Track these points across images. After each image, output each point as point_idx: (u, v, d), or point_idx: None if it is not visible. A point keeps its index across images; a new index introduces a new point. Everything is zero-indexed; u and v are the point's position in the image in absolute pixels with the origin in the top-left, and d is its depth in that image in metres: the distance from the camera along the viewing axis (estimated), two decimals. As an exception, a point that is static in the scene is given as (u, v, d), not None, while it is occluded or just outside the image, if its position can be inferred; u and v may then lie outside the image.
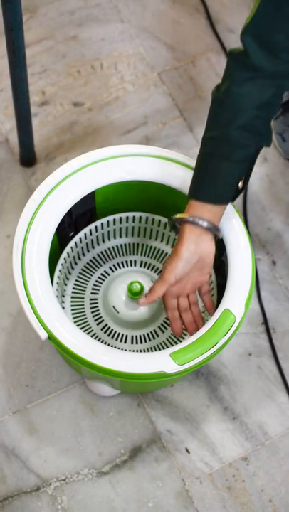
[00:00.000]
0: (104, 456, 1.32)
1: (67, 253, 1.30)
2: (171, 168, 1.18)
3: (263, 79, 1.01)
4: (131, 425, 1.34)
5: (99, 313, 1.33)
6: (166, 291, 1.13)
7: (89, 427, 1.33)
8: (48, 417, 1.34)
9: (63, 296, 1.33)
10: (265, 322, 1.42)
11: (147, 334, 1.31)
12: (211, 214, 1.08)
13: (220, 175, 1.07)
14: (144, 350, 1.30)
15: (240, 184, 1.08)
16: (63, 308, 1.31)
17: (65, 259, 1.30)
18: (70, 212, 1.19)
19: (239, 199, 1.49)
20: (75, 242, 1.31)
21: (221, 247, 1.14)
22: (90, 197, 1.21)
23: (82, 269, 1.36)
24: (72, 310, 1.32)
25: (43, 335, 1.07)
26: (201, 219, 1.07)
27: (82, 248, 1.34)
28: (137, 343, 1.31)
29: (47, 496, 1.30)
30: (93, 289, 1.34)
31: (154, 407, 1.35)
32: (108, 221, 1.32)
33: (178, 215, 1.09)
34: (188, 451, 1.33)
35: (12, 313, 1.40)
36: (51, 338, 1.07)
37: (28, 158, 1.51)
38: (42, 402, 1.35)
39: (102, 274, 1.35)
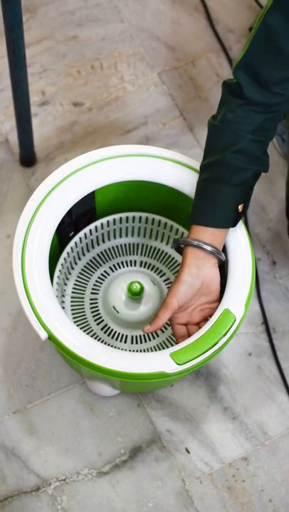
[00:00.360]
0: (104, 456, 1.32)
1: (67, 253, 1.30)
2: (171, 169, 1.18)
3: (256, 106, 1.05)
4: (131, 425, 1.34)
5: (99, 313, 1.33)
6: (173, 317, 1.12)
7: (89, 427, 1.33)
8: (48, 417, 1.34)
9: (63, 296, 1.33)
10: (265, 322, 1.42)
11: (147, 334, 1.31)
12: (212, 237, 1.08)
13: (220, 198, 1.08)
14: (144, 350, 1.30)
15: (240, 208, 1.09)
16: (63, 308, 1.31)
17: (65, 259, 1.30)
18: (70, 212, 1.19)
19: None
20: (75, 242, 1.31)
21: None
22: (90, 197, 1.21)
23: (82, 269, 1.36)
24: (72, 310, 1.32)
25: (43, 335, 1.07)
26: (204, 242, 1.08)
27: (82, 248, 1.34)
28: (137, 343, 1.31)
29: (47, 495, 1.30)
30: (93, 289, 1.34)
31: (154, 407, 1.35)
32: (108, 221, 1.32)
33: (181, 238, 1.10)
34: (188, 451, 1.33)
35: (12, 313, 1.40)
36: (51, 338, 1.07)
37: (28, 158, 1.51)
38: (42, 402, 1.35)
39: (102, 274, 1.35)
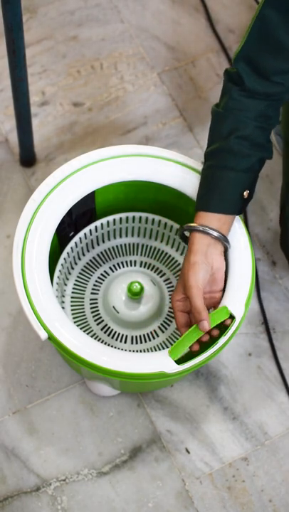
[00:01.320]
0: (104, 456, 1.32)
1: (67, 253, 1.30)
2: (171, 169, 1.18)
3: (257, 95, 1.07)
4: (131, 425, 1.34)
5: (99, 313, 1.33)
6: (177, 304, 1.10)
7: (89, 427, 1.33)
8: (48, 417, 1.34)
9: (63, 296, 1.33)
10: (265, 322, 1.42)
11: (147, 334, 1.31)
12: (219, 223, 1.08)
13: (225, 184, 1.08)
14: (144, 350, 1.30)
15: (245, 194, 1.08)
16: (63, 308, 1.31)
17: (65, 259, 1.30)
18: (70, 212, 1.19)
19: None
20: (75, 242, 1.31)
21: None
22: (90, 197, 1.21)
23: (82, 269, 1.36)
24: (72, 310, 1.32)
25: (43, 335, 1.07)
26: (210, 228, 1.07)
27: (82, 248, 1.34)
28: (137, 343, 1.31)
29: (47, 496, 1.30)
30: (93, 289, 1.34)
31: (154, 407, 1.35)
32: (108, 221, 1.32)
33: (187, 224, 1.09)
34: (188, 451, 1.33)
35: (12, 313, 1.40)
36: (51, 338, 1.07)
37: (28, 158, 1.51)
38: (42, 402, 1.35)
39: (102, 274, 1.35)
